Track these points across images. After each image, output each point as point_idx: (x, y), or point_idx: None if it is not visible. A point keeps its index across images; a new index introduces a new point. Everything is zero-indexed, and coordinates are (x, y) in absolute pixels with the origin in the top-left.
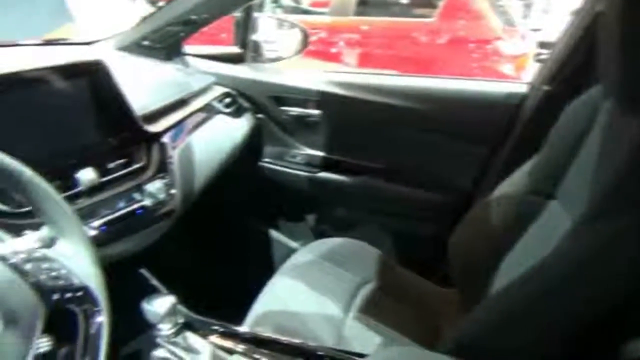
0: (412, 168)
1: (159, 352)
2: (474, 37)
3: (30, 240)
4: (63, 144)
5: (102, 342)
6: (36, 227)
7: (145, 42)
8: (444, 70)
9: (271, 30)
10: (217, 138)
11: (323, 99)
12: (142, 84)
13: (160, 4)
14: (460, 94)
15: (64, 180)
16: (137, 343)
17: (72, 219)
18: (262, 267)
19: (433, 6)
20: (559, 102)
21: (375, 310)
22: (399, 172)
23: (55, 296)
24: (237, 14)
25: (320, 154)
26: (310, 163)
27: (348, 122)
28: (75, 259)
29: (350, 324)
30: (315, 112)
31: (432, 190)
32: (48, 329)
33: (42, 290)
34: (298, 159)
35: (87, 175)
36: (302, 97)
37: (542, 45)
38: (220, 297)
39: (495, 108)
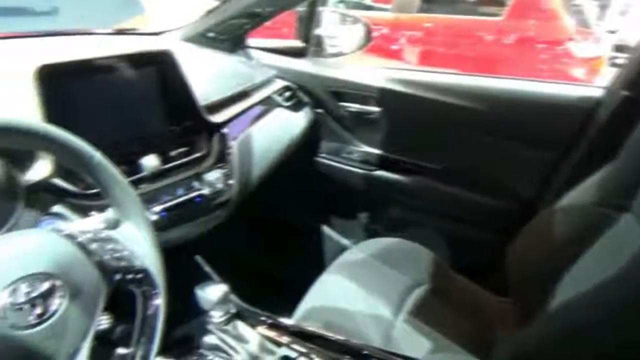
0: (471, 170)
1: (209, 338)
2: (545, 38)
3: (95, 221)
4: (129, 130)
5: (159, 324)
6: (101, 208)
7: (211, 34)
8: (510, 71)
9: (334, 25)
10: (275, 131)
11: (383, 96)
12: (206, 75)
13: None
14: (527, 96)
15: (128, 166)
16: (188, 328)
17: (137, 203)
18: (312, 263)
19: (501, 4)
20: (639, 108)
21: (427, 314)
22: (457, 174)
23: (117, 276)
24: (301, 8)
25: (377, 151)
26: (366, 160)
27: (407, 120)
28: (137, 242)
29: (400, 327)
30: (375, 109)
31: (491, 195)
32: (108, 307)
33: (105, 270)
34: (354, 155)
35: (150, 162)
36: (362, 93)
37: (618, 48)
38: (270, 289)
39: (565, 112)
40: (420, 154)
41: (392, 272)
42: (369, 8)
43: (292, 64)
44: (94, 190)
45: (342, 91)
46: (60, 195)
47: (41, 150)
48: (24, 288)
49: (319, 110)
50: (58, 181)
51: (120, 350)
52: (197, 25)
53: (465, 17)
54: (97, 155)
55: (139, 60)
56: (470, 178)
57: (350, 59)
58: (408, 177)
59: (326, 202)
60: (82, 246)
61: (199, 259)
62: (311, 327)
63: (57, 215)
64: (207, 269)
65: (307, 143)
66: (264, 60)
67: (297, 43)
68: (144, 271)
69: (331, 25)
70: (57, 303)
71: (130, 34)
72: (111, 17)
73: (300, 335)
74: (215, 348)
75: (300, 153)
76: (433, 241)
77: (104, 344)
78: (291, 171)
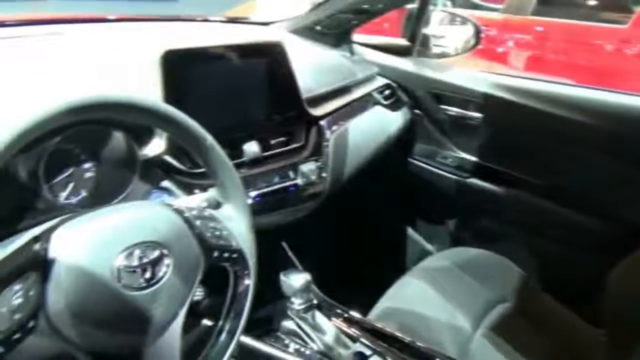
0: (574, 188)
1: (288, 323)
2: None
3: (199, 199)
4: (235, 116)
5: (247, 302)
6: (204, 188)
7: (317, 28)
8: (631, 85)
9: (442, 25)
10: (372, 128)
11: (486, 102)
12: (310, 68)
13: None
14: None
15: (231, 150)
16: (268, 310)
17: (239, 187)
18: (393, 263)
19: (628, 10)
20: None
21: (508, 332)
22: (559, 191)
23: (215, 253)
24: (410, 5)
25: (474, 159)
26: (461, 167)
27: (510, 130)
28: (236, 223)
29: (478, 341)
30: (476, 114)
31: (595, 217)
32: (202, 281)
33: (205, 246)
34: (449, 160)
35: (251, 148)
36: (464, 97)
37: None
38: (349, 284)
39: None
40: (519, 166)
41: (476, 284)
42: (477, 7)
43: (395, 62)
44: (200, 170)
45: (443, 94)
46: (170, 172)
47: (160, 128)
48: (137, 253)
49: (417, 111)
50: (169, 158)
51: (206, 322)
52: (305, 18)
53: (581, 23)
54: (210, 139)
55: (252, 49)
56: (572, 196)
57: (454, 61)
58: (503, 188)
59: (415, 204)
60: (188, 221)
61: (285, 245)
62: (387, 327)
63: (165, 190)
64: (292, 256)
65: (402, 143)
66: (367, 57)
67: (402, 41)
68: (239, 251)
69: (439, 24)
70: (164, 271)
71: (242, 22)
72: (226, 3)
73: (376, 333)
74: (292, 333)
75: (394, 152)
76: (523, 258)
77: (193, 314)
78: (383, 170)
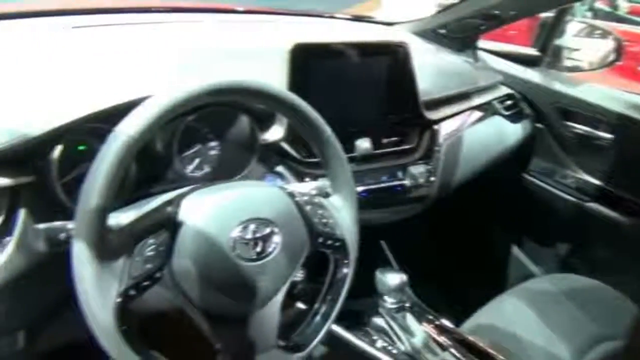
0: None
1: (378, 320)
2: None
3: (310, 187)
4: (353, 111)
5: (344, 290)
6: (315, 177)
7: (442, 31)
8: None
9: (577, 36)
10: (488, 139)
11: (620, 123)
12: (431, 71)
13: None
14: None
15: (344, 144)
16: (360, 304)
17: (350, 181)
18: (493, 279)
19: None
20: None
21: None
22: None
23: (320, 239)
24: (545, 14)
25: (597, 182)
26: (581, 189)
27: None
28: (343, 213)
29: None
30: (606, 135)
31: None
32: (304, 264)
33: (312, 231)
34: (569, 181)
35: (364, 145)
36: (595, 115)
37: None
38: (444, 292)
39: None
40: None
41: (581, 314)
42: (621, 20)
43: (522, 72)
44: (313, 160)
45: (571, 109)
46: (285, 158)
47: (284, 115)
48: (252, 227)
49: (539, 125)
50: (286, 146)
51: (300, 305)
52: (430, 21)
53: None
54: (329, 131)
55: (376, 48)
56: None
57: (587, 76)
58: (626, 217)
59: (525, 222)
60: (299, 205)
61: (383, 244)
62: (479, 342)
63: (279, 175)
64: (389, 255)
65: (519, 157)
66: (491, 64)
67: (532, 51)
68: (342, 241)
69: (575, 36)
70: (272, 247)
71: (366, 21)
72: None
73: (467, 346)
74: (381, 331)
75: (509, 166)
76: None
77: (291, 294)
78: (495, 182)
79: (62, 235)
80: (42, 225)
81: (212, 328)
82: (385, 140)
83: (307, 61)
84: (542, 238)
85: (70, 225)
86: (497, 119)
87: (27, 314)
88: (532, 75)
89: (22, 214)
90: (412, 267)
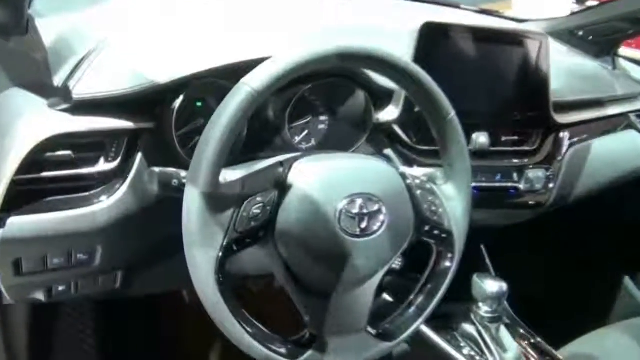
0: None
1: (468, 327)
2: None
3: (420, 172)
4: (476, 101)
5: (444, 285)
6: (424, 166)
7: (579, 33)
8: None
9: None
10: (619, 154)
11: None
12: (564, 72)
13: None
14: None
15: None
16: (452, 306)
17: (467, 170)
18: (599, 308)
19: None
20: None
21: None
22: None
23: (426, 227)
24: None
25: None
26: None
27: None
28: (454, 204)
29: None
30: None
31: None
32: (404, 252)
33: (419, 217)
34: None
35: (480, 139)
36: None
37: None
38: (540, 311)
39: None
40: None
41: None
42: None
43: None
44: (425, 147)
45: None
46: (395, 142)
47: (407, 90)
48: (359, 202)
49: None
50: (398, 129)
51: (386, 297)
52: (566, 21)
53: None
54: (453, 113)
55: (512, 38)
56: None
57: None
58: None
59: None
60: (410, 188)
61: (483, 248)
62: None
63: (387, 158)
64: (488, 261)
65: None
66: (632, 74)
67: None
68: (449, 233)
69: None
70: (377, 226)
71: (495, 16)
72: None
73: None
74: (471, 339)
75: (637, 189)
76: None
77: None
78: (619, 203)
79: (175, 182)
80: (157, 169)
81: (303, 299)
82: (504, 138)
83: (435, 42)
84: None
85: (183, 173)
86: (632, 134)
87: (130, 255)
88: None
89: (138, 157)
90: (508, 278)
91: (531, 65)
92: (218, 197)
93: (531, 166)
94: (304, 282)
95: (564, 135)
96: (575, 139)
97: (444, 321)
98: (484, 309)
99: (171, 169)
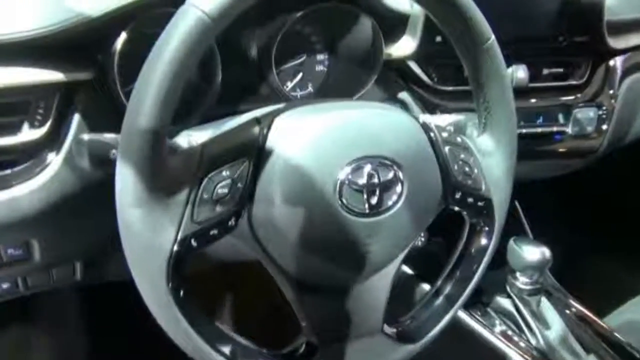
0: None
1: (503, 301)
2: None
3: (447, 122)
4: (510, 26)
5: (480, 269)
6: (452, 111)
7: None
8: None
9: None
10: None
11: None
12: None
13: None
14: None
15: None
16: (483, 277)
17: (511, 112)
18: None
19: None
20: None
21: None
22: None
23: (458, 194)
24: None
25: None
26: None
27: None
28: (494, 161)
29: None
30: None
31: None
32: (430, 227)
33: (449, 182)
34: None
35: (518, 73)
36: None
37: None
38: (582, 275)
39: None
40: None
41: None
42: None
43: None
44: (450, 88)
45: None
46: (411, 83)
47: (429, 7)
48: (367, 169)
49: None
50: (414, 66)
51: (406, 284)
52: None
53: None
54: (493, 37)
55: None
56: None
57: None
58: None
59: None
60: (436, 145)
61: (517, 205)
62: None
63: (401, 103)
64: (524, 221)
65: None
66: None
67: None
68: (488, 201)
69: None
70: (393, 200)
71: None
72: None
73: (619, 349)
74: (506, 315)
75: None
76: None
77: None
78: None
79: (114, 153)
80: (86, 136)
81: (299, 299)
82: (546, 71)
83: None
84: None
85: None
86: None
87: (82, 246)
88: None
89: (75, 120)
90: (546, 239)
91: None
92: (165, 175)
93: (580, 104)
94: (298, 279)
95: (619, 63)
96: (634, 68)
97: (473, 294)
98: (522, 280)
99: (109, 135)
